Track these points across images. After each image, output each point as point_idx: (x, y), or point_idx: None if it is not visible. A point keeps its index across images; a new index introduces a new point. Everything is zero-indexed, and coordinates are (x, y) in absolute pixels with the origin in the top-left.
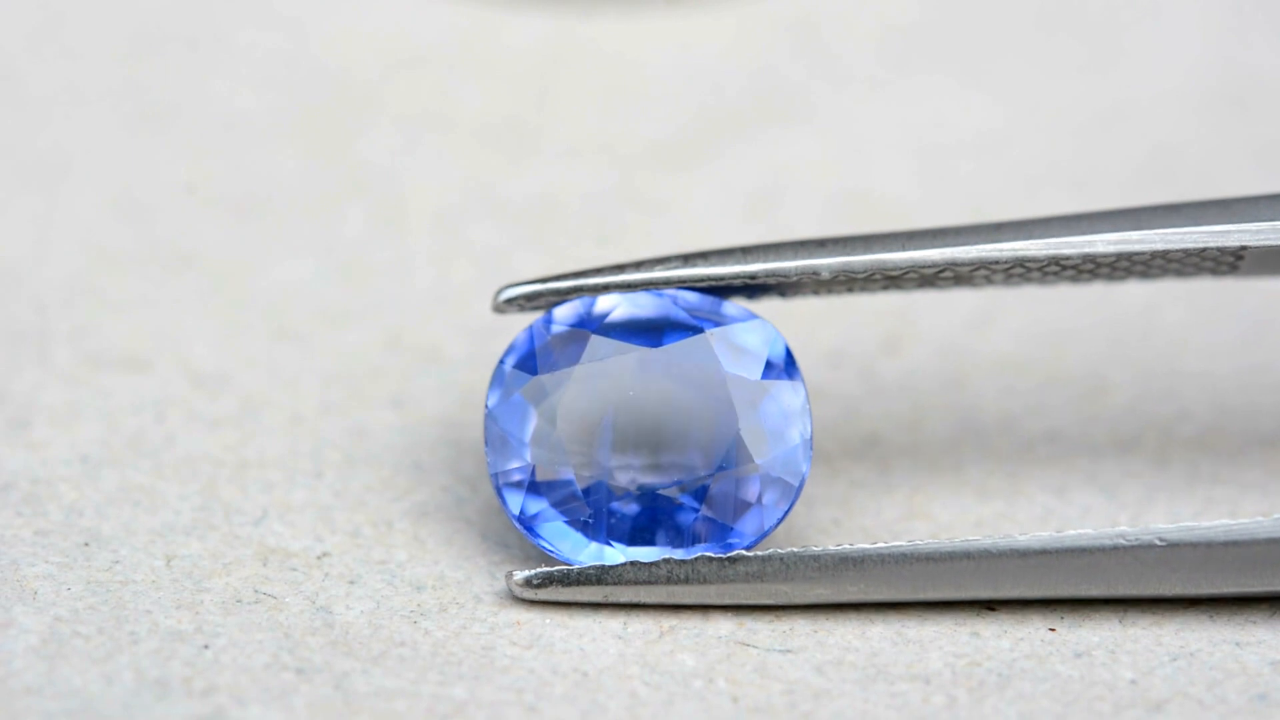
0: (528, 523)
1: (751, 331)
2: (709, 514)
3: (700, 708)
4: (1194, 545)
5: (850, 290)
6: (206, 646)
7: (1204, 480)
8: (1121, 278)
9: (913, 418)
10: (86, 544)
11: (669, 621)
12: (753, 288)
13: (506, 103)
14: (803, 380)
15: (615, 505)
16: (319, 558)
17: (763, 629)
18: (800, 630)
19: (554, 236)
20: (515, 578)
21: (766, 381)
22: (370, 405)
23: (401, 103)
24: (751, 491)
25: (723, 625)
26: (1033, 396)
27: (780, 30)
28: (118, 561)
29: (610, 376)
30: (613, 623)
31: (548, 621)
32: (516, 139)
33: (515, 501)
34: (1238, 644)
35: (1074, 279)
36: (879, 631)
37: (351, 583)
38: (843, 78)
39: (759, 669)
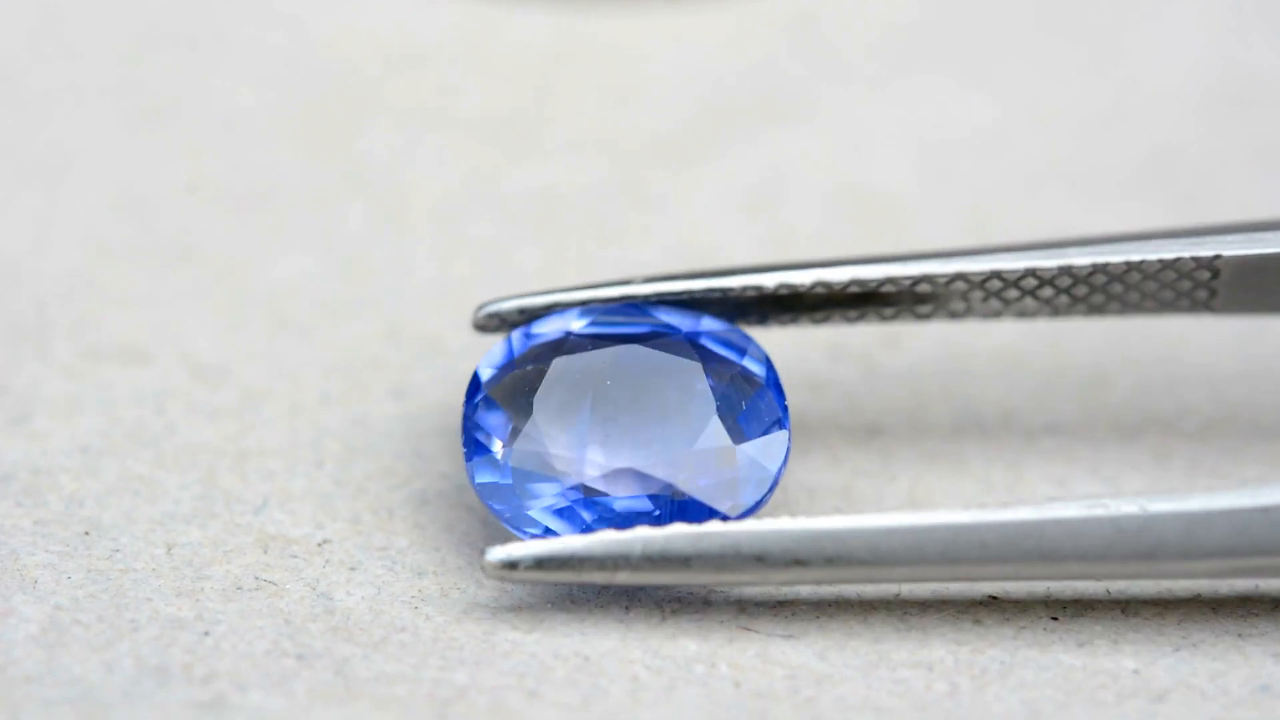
0: (510, 520)
1: (730, 336)
2: (684, 504)
3: (702, 692)
4: (1176, 515)
5: (828, 318)
6: (207, 633)
7: (1205, 474)
8: (1100, 304)
9: (914, 409)
10: (87, 533)
11: (671, 606)
12: (731, 303)
13: (507, 99)
14: (781, 388)
15: (594, 498)
16: (319, 545)
17: (765, 614)
18: (802, 615)
19: (554, 232)
20: (487, 558)
21: (744, 377)
22: (371, 396)
23: (402, 99)
24: (728, 481)
25: (725, 610)
26: (1034, 389)
27: (780, 27)
28: (118, 550)
29: (587, 368)
30: (614, 607)
31: (549, 606)
32: (517, 135)
33: (495, 503)
34: (1240, 635)
35: (1051, 304)
36: (881, 617)
37: (352, 569)
38: (843, 75)
39: (761, 654)
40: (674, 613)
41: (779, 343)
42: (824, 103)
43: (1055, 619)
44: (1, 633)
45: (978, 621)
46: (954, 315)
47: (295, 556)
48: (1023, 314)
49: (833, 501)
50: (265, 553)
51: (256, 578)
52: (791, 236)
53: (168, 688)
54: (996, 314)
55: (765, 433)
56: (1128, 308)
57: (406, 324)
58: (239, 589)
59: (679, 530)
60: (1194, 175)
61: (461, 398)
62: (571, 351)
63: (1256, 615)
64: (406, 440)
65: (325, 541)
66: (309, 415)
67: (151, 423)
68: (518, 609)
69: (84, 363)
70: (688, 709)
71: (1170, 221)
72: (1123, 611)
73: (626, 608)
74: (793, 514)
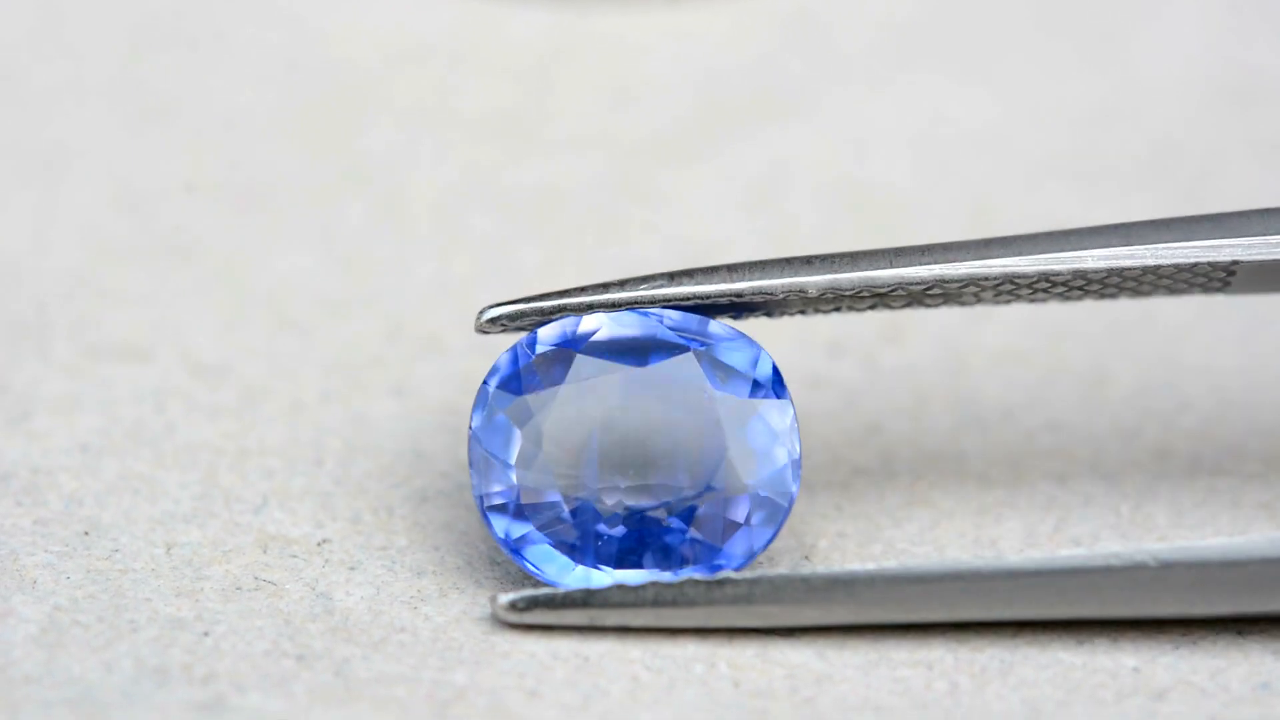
0: (513, 546)
1: (739, 350)
2: (697, 536)
3: (702, 692)
4: (1188, 565)
5: (838, 309)
6: (206, 634)
7: (1205, 470)
8: (1113, 295)
9: (914, 406)
10: (86, 533)
11: None
12: (739, 306)
13: (507, 96)
14: (790, 399)
15: (602, 527)
16: (319, 544)
17: None
18: None
19: (554, 229)
20: (499, 601)
21: (754, 400)
22: (370, 393)
23: (402, 96)
24: (739, 513)
25: None
26: (1034, 386)
27: (780, 24)
28: (117, 550)
29: (596, 395)
30: None
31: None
32: (517, 132)
33: (500, 524)
34: (1240, 632)
35: (1064, 296)
36: None
37: (352, 569)
38: (842, 71)
39: (760, 653)
40: None
41: (779, 338)
42: (823, 99)
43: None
44: (1, 633)
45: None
46: (965, 305)
47: (295, 556)
48: (1034, 302)
49: (833, 499)
50: (265, 552)
51: (256, 578)
52: (791, 232)
53: (167, 688)
54: (1008, 303)
55: (775, 462)
56: (1140, 295)
57: (406, 322)
58: (238, 589)
59: (691, 580)
60: (1193, 170)
61: (461, 395)
62: (579, 372)
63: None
64: (406, 439)
65: (325, 541)
66: (309, 413)
67: (151, 421)
68: None
69: (84, 361)
70: (687, 708)
71: (1172, 215)
72: None
73: None
74: (794, 510)
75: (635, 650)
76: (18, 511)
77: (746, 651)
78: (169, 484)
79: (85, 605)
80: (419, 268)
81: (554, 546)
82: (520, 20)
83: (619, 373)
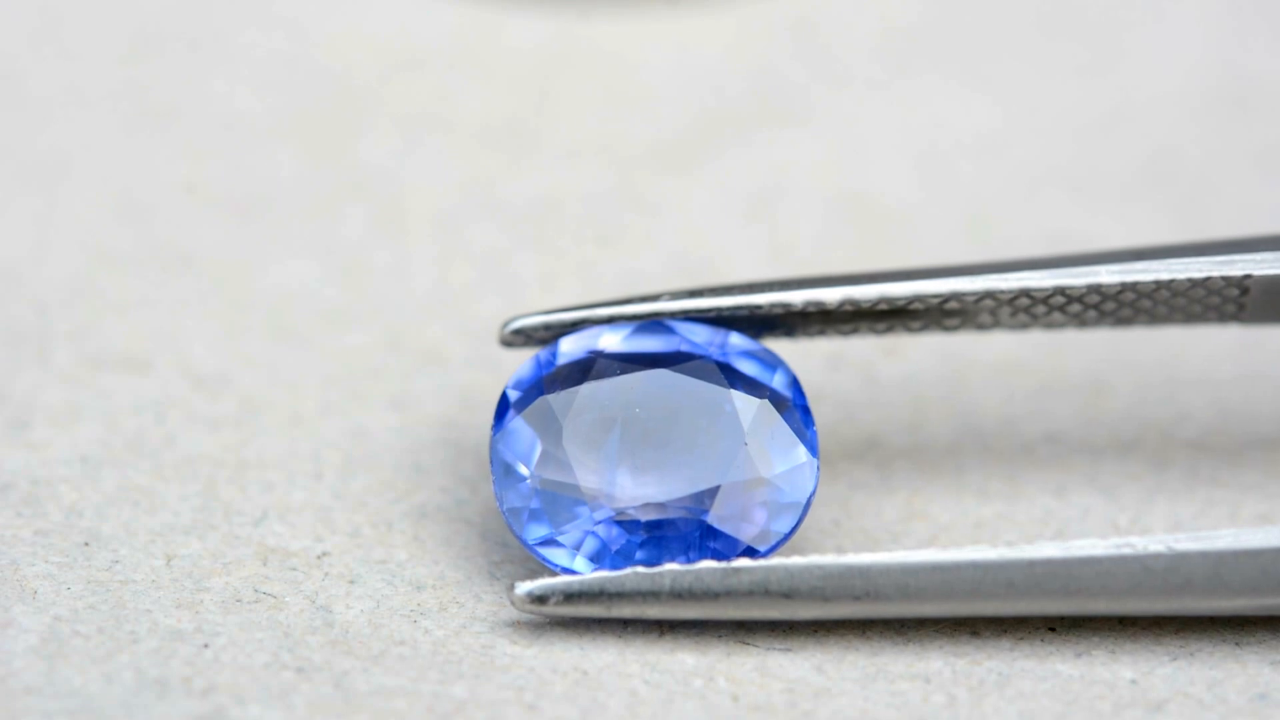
0: (534, 546)
1: (760, 360)
2: (715, 534)
3: (700, 706)
4: (1204, 554)
5: (856, 329)
6: (206, 646)
7: (1204, 482)
8: (1128, 318)
9: (913, 420)
10: (86, 544)
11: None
12: (759, 321)
13: (506, 104)
14: (810, 410)
15: (622, 527)
16: (319, 557)
17: (762, 627)
18: (800, 629)
19: (554, 238)
20: (517, 591)
21: (774, 408)
22: (370, 406)
23: (401, 104)
24: (757, 512)
25: (723, 624)
26: (1032, 398)
27: (780, 31)
28: (117, 561)
29: (616, 395)
30: (613, 621)
31: (547, 620)
32: (516, 140)
33: (521, 527)
34: (1237, 644)
35: (1079, 318)
36: (879, 630)
37: (351, 582)
38: (843, 79)
39: (759, 667)
40: (672, 627)
41: (778, 351)
42: (824, 107)
43: (1052, 629)
44: (1, 643)
45: (975, 633)
46: (982, 328)
47: (294, 569)
48: (1050, 326)
49: (831, 514)
50: (265, 565)
51: (256, 590)
52: (793, 241)
53: (167, 700)
54: (1025, 326)
55: (794, 460)
56: (1156, 320)
57: (406, 333)
58: (238, 601)
59: (708, 566)
60: (1194, 178)
61: (460, 409)
62: (600, 374)
63: (1253, 624)
64: (405, 453)
65: (324, 554)
66: (308, 426)
67: (151, 432)
68: (516, 623)
69: (84, 370)
70: None
71: (1172, 223)
72: (1120, 621)
73: (625, 622)
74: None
75: (634, 665)
76: (18, 522)
77: (745, 666)
78: (169, 496)
79: (86, 616)
80: (418, 277)
81: (575, 548)
82: (520, 27)
83: (638, 377)
